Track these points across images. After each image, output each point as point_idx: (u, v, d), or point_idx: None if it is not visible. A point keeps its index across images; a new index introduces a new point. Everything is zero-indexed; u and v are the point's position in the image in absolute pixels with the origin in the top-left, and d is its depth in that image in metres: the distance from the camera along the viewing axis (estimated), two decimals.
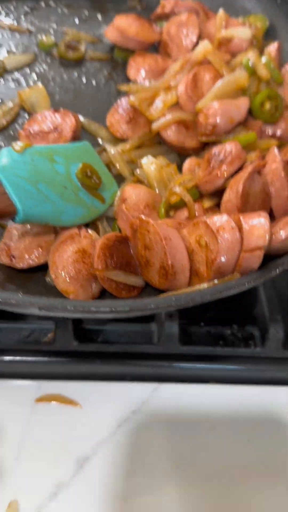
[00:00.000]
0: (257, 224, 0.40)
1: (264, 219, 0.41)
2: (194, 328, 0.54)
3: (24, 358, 0.51)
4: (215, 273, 0.42)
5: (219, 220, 0.42)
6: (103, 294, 0.47)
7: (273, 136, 0.56)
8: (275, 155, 0.48)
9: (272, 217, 0.48)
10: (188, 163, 0.54)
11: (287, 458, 0.48)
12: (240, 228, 0.41)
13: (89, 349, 0.52)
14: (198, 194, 0.50)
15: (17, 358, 0.51)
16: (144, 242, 0.45)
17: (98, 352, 0.52)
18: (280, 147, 0.53)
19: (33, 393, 0.50)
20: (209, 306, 0.51)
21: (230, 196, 0.45)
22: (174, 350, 0.51)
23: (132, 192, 0.50)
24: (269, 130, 0.56)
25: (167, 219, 0.48)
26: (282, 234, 0.41)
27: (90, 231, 0.49)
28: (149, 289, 0.47)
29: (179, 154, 0.58)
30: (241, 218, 0.42)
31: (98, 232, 0.50)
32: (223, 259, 0.41)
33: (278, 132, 0.55)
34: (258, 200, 0.46)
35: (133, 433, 0.48)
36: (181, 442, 0.48)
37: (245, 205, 0.45)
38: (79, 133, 0.57)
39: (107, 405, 0.49)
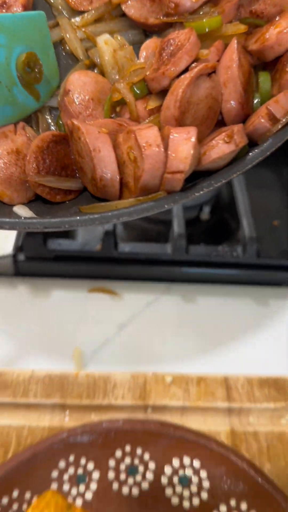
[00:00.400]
0: (181, 144, 0.37)
1: (192, 138, 0.37)
2: (196, 246, 0.74)
3: (81, 262, 0.75)
4: (141, 190, 0.40)
5: (148, 134, 0.38)
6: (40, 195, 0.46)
7: (253, 13, 0.47)
8: (232, 50, 0.41)
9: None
10: (146, 47, 0.48)
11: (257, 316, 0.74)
12: (167, 145, 0.38)
13: (124, 257, 0.74)
14: (147, 89, 0.45)
15: (76, 262, 0.75)
16: (77, 148, 0.42)
17: (131, 259, 0.74)
18: (256, 28, 0.46)
19: (86, 287, 0.75)
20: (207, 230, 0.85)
21: (169, 103, 0.40)
22: (182, 258, 0.73)
23: (77, 83, 0.46)
24: (248, 6, 0.47)
25: (107, 120, 0.44)
26: (212, 154, 0.38)
27: (27, 127, 0.46)
28: (88, 192, 0.46)
29: (144, 31, 0.51)
30: (171, 134, 0.38)
31: (38, 125, 0.47)
32: (147, 177, 0.38)
33: (259, 7, 0.47)
34: (202, 107, 0.41)
35: (156, 310, 0.73)
36: (187, 315, 0.73)
37: (185, 115, 0.40)
38: (30, 7, 0.50)
39: (137, 295, 0.74)
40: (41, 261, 0.78)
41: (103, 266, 0.77)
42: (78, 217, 0.39)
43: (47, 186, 0.43)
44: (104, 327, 0.71)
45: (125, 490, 0.53)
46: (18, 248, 0.78)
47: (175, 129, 0.39)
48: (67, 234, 0.82)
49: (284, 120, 0.39)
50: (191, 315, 0.74)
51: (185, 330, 0.71)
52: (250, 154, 0.39)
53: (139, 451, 0.54)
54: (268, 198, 0.91)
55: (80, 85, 0.45)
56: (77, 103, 0.45)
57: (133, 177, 0.40)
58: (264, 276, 0.78)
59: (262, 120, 0.39)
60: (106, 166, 0.40)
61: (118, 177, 0.40)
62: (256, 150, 0.38)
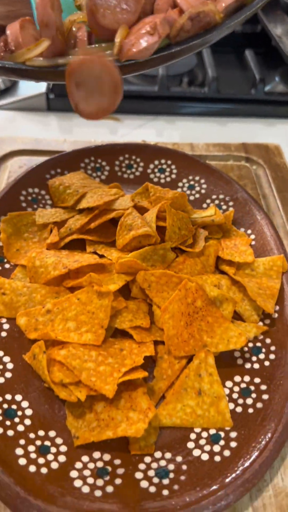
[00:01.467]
0: None
1: None
2: (176, 86, 1.09)
3: None
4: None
5: None
6: None
7: None
8: None
9: None
10: None
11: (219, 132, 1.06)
12: None
13: (124, 94, 1.06)
14: None
15: None
16: None
17: (129, 95, 1.05)
18: None
19: None
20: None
21: None
22: (165, 93, 1.07)
23: None
24: None
25: None
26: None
27: None
28: None
29: None
30: None
31: None
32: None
33: None
34: None
35: (147, 128, 1.04)
36: (168, 131, 1.05)
37: None
38: None
39: (133, 120, 1.03)
40: (67, 97, 1.13)
41: None
42: None
43: None
44: (112, 136, 1.01)
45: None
46: (49, 89, 1.13)
47: None
48: None
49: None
50: (171, 132, 1.06)
51: (166, 138, 1.03)
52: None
53: (133, 157, 0.89)
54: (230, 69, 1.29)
55: None
56: None
57: None
58: (224, 108, 1.13)
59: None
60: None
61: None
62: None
